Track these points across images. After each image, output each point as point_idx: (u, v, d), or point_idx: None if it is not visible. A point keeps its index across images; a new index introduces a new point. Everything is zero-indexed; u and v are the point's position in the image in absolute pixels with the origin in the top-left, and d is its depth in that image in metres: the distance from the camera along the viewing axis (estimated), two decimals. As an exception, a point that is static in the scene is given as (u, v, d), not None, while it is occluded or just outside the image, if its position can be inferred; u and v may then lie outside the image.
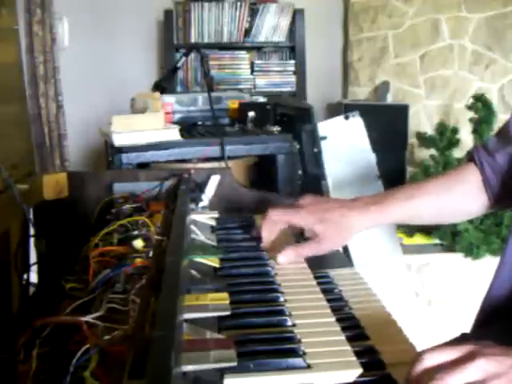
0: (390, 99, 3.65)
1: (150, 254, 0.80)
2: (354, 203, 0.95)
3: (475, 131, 2.89)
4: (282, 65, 3.69)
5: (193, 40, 3.53)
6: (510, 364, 0.55)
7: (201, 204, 1.11)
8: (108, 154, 1.93)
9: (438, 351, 0.57)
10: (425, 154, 3.19)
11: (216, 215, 1.05)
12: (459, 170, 1.05)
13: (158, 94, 2.05)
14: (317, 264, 0.90)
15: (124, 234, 0.90)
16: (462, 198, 1.02)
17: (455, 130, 2.97)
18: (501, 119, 2.98)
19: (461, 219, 1.14)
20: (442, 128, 2.99)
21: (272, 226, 0.94)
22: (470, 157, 1.03)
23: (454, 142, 2.95)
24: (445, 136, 2.96)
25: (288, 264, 0.89)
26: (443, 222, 1.27)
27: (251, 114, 2.09)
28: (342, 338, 0.65)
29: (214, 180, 1.18)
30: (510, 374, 0.55)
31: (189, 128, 2.09)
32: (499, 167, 0.99)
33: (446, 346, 0.58)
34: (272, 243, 0.94)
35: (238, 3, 3.54)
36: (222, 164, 1.81)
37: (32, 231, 1.05)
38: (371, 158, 2.85)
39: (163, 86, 2.22)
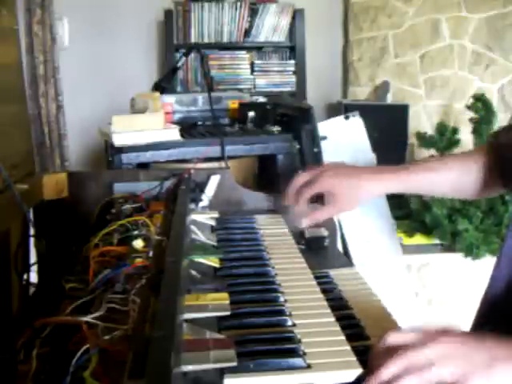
0: (390, 99, 3.64)
1: (150, 254, 0.80)
2: (372, 169, 1.04)
3: (475, 131, 2.89)
4: (282, 65, 3.68)
5: (193, 40, 3.53)
6: (464, 352, 0.58)
7: (201, 204, 1.11)
8: (108, 154, 1.92)
9: (403, 333, 0.60)
10: (425, 154, 3.19)
11: (216, 215, 1.05)
12: (479, 150, 1.09)
13: (157, 93, 2.04)
14: (317, 264, 0.90)
15: (124, 234, 0.90)
16: (478, 177, 1.06)
17: (455, 130, 2.97)
18: (501, 119, 2.98)
19: (476, 197, 1.19)
20: (441, 128, 2.98)
21: (296, 193, 1.01)
22: (488, 142, 1.08)
23: (453, 142, 2.94)
24: (445, 136, 2.95)
25: (288, 264, 0.89)
26: (458, 197, 1.38)
27: (251, 114, 2.09)
28: (342, 337, 0.65)
29: (214, 180, 1.18)
30: (459, 359, 0.57)
31: (189, 128, 2.09)
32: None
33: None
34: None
35: (238, 3, 3.54)
36: (222, 164, 1.80)
37: (32, 231, 1.04)
38: (371, 157, 2.85)
39: (163, 86, 2.22)
